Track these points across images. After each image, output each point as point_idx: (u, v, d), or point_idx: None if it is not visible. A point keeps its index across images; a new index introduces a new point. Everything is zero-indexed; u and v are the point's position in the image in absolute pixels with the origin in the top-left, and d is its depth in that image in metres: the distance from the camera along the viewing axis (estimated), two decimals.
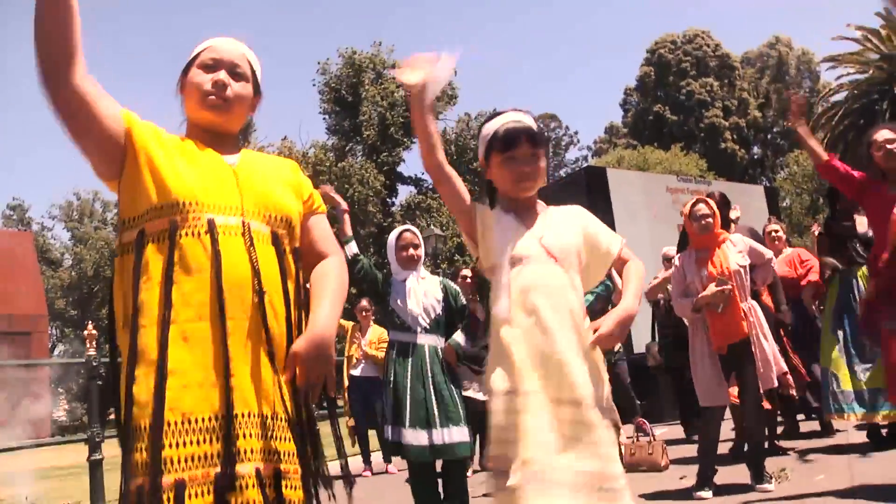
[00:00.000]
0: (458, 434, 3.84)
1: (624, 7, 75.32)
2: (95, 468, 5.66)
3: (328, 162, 25.26)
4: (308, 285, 1.78)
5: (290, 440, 1.60)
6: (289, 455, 1.59)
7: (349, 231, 4.11)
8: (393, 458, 7.22)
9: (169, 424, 1.46)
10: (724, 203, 4.87)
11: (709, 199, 4.54)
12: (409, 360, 3.90)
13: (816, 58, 39.36)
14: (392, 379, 3.91)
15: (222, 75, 1.75)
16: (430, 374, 3.88)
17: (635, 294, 2.14)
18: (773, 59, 42.89)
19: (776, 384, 4.38)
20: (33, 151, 65.96)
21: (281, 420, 1.59)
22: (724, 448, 5.30)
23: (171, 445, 1.45)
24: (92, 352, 6.27)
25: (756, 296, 4.82)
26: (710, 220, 4.41)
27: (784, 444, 5.59)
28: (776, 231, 6.26)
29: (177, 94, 1.82)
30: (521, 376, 1.97)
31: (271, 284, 1.63)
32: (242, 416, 1.52)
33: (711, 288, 4.26)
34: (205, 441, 1.47)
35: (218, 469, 1.46)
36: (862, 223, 5.22)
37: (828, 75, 34.11)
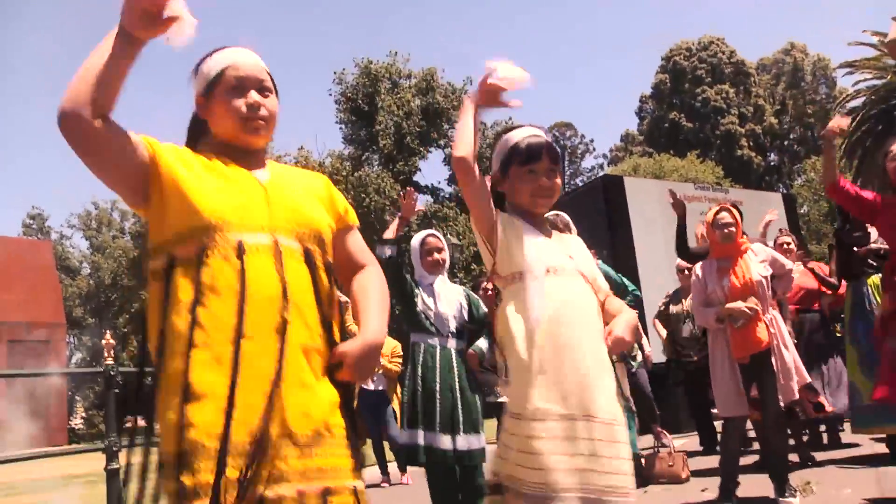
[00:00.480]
0: (478, 441, 3.86)
1: (638, 14, 75.26)
2: (113, 477, 5.66)
3: (344, 171, 25.31)
4: (344, 297, 1.78)
5: (336, 456, 1.58)
6: (336, 471, 1.57)
7: (396, 233, 4.03)
8: (408, 469, 7.20)
9: (205, 448, 1.44)
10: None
11: (732, 208, 4.48)
12: (437, 362, 3.89)
13: (832, 63, 39.09)
14: (421, 382, 3.88)
15: (255, 96, 1.73)
16: (456, 378, 3.88)
17: (629, 310, 2.18)
18: (788, 66, 42.60)
19: (797, 396, 4.32)
20: (53, 161, 66.70)
21: (324, 437, 1.57)
22: (748, 459, 5.24)
23: (209, 471, 1.42)
24: (110, 361, 6.29)
25: None
26: (733, 229, 4.36)
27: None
28: (788, 243, 6.20)
29: (200, 115, 1.80)
30: (533, 395, 1.96)
31: (304, 301, 1.61)
32: (278, 437, 1.49)
33: (740, 304, 4.20)
34: (243, 465, 1.44)
35: (257, 492, 1.45)
36: (874, 233, 5.24)
37: (844, 81, 33.77)
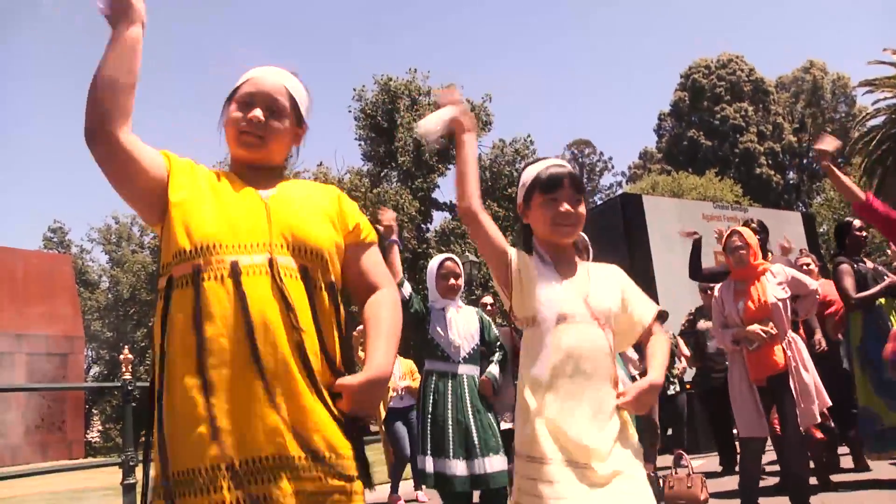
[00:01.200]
0: (498, 463, 3.83)
1: (657, 32, 75.32)
2: (129, 491, 5.69)
3: (363, 188, 25.37)
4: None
5: (335, 477, 1.54)
6: (332, 495, 1.54)
7: (399, 269, 4.04)
8: (424, 487, 7.15)
9: (197, 472, 1.45)
10: (762, 230, 4.80)
11: (743, 231, 4.44)
12: (449, 389, 3.90)
13: (852, 82, 38.91)
14: (431, 409, 3.89)
15: (257, 112, 1.72)
16: (468, 403, 3.88)
17: (661, 366, 2.13)
18: (807, 84, 42.45)
19: (819, 419, 4.26)
20: (74, 175, 67.36)
21: (324, 460, 1.53)
22: (768, 481, 5.17)
23: (228, 489, 1.44)
24: (127, 376, 6.31)
25: (794, 326, 4.71)
26: (745, 252, 4.32)
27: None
28: (808, 264, 6.15)
29: (219, 129, 1.80)
30: (541, 443, 1.96)
31: (303, 321, 1.56)
32: (274, 460, 1.48)
33: (756, 327, 4.17)
34: (237, 487, 1.44)
35: None
36: (868, 264, 5.30)
37: (864, 100, 33.62)
